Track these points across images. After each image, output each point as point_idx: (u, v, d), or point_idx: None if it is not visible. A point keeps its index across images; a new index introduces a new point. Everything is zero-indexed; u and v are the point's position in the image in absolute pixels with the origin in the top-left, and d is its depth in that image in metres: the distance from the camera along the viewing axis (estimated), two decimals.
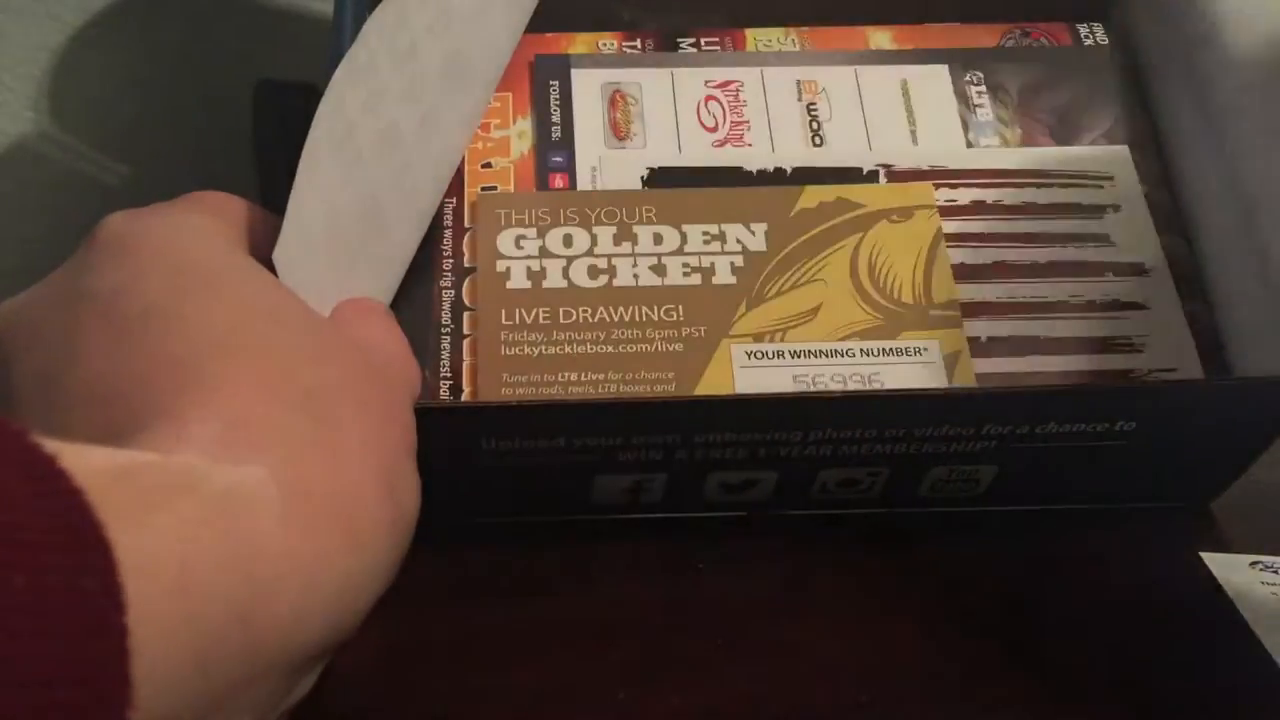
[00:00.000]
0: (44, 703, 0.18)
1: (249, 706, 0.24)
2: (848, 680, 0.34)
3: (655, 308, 0.39)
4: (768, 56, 0.44)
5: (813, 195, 0.41)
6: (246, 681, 0.23)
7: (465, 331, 0.39)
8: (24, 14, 0.46)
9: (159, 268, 0.28)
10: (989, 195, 0.42)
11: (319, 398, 0.27)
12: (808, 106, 0.43)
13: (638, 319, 0.39)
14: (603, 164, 0.41)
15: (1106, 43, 0.45)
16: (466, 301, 0.39)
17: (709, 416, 0.36)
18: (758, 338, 0.39)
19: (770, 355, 0.39)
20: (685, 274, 0.40)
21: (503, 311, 0.39)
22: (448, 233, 0.40)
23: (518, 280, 0.39)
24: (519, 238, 0.40)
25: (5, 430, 0.19)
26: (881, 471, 0.39)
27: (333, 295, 0.33)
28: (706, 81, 0.43)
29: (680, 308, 0.39)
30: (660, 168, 0.42)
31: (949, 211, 0.41)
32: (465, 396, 0.38)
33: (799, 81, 0.43)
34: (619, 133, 0.42)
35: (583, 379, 0.38)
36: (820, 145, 0.42)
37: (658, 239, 0.40)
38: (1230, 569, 0.39)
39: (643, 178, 0.41)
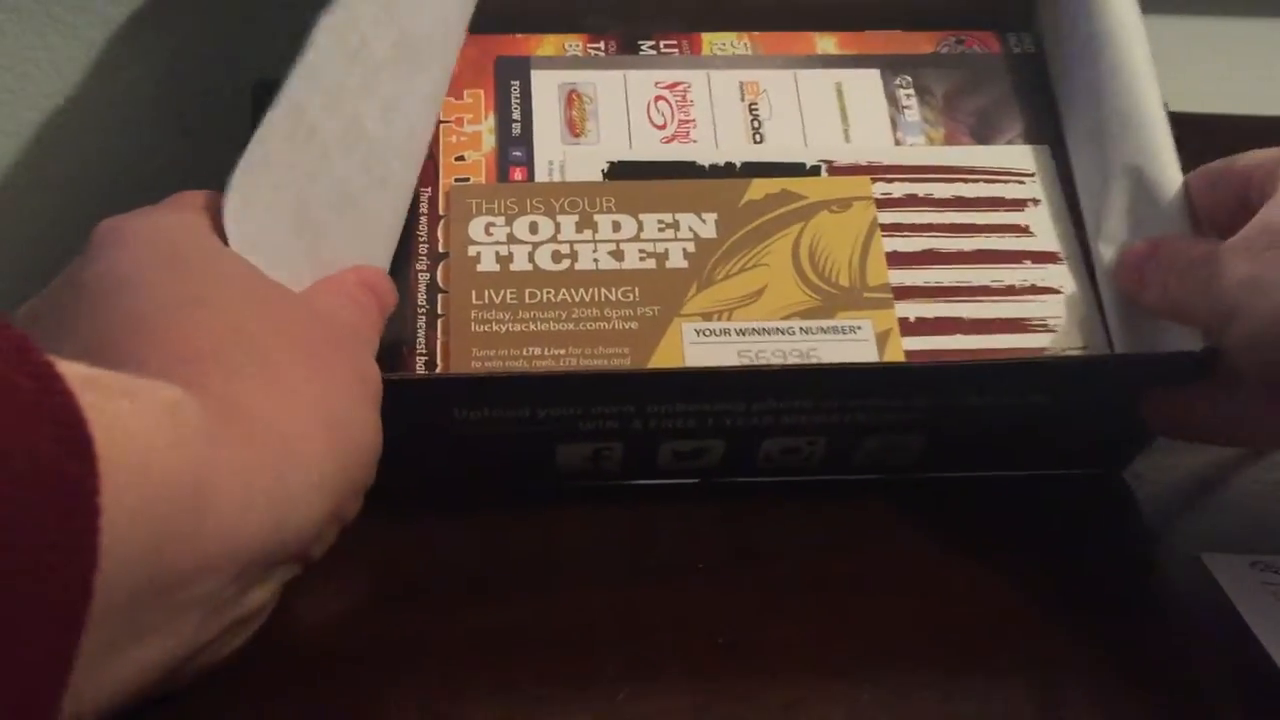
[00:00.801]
0: (20, 556, 0.21)
1: (198, 601, 0.27)
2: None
3: (613, 289, 0.42)
4: (715, 60, 0.47)
5: (759, 188, 0.44)
6: (195, 572, 0.26)
7: (439, 312, 0.42)
8: (24, 14, 0.47)
9: (139, 252, 0.32)
10: (920, 189, 0.45)
11: (260, 341, 0.31)
12: (749, 106, 0.46)
13: (597, 299, 0.42)
14: (566, 159, 0.45)
15: (1034, 50, 0.49)
16: (441, 284, 0.42)
17: (661, 388, 0.39)
18: (706, 317, 0.42)
19: (718, 333, 0.42)
20: (641, 259, 0.43)
21: (473, 292, 0.42)
22: (423, 220, 0.43)
23: (487, 264, 0.42)
24: (489, 225, 0.43)
25: (8, 334, 0.23)
26: (819, 441, 0.42)
27: (308, 273, 0.37)
28: (656, 83, 0.47)
29: (636, 289, 0.42)
30: (620, 162, 0.45)
31: (884, 204, 0.45)
32: (438, 370, 0.41)
33: (742, 83, 0.47)
34: (575, 130, 0.45)
35: (546, 354, 0.41)
36: (760, 142, 0.46)
37: (616, 227, 0.43)
38: (1230, 569, 0.40)
39: (604, 171, 0.44)
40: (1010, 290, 0.44)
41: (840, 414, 0.41)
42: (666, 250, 0.43)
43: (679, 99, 0.46)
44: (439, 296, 0.42)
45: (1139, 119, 0.43)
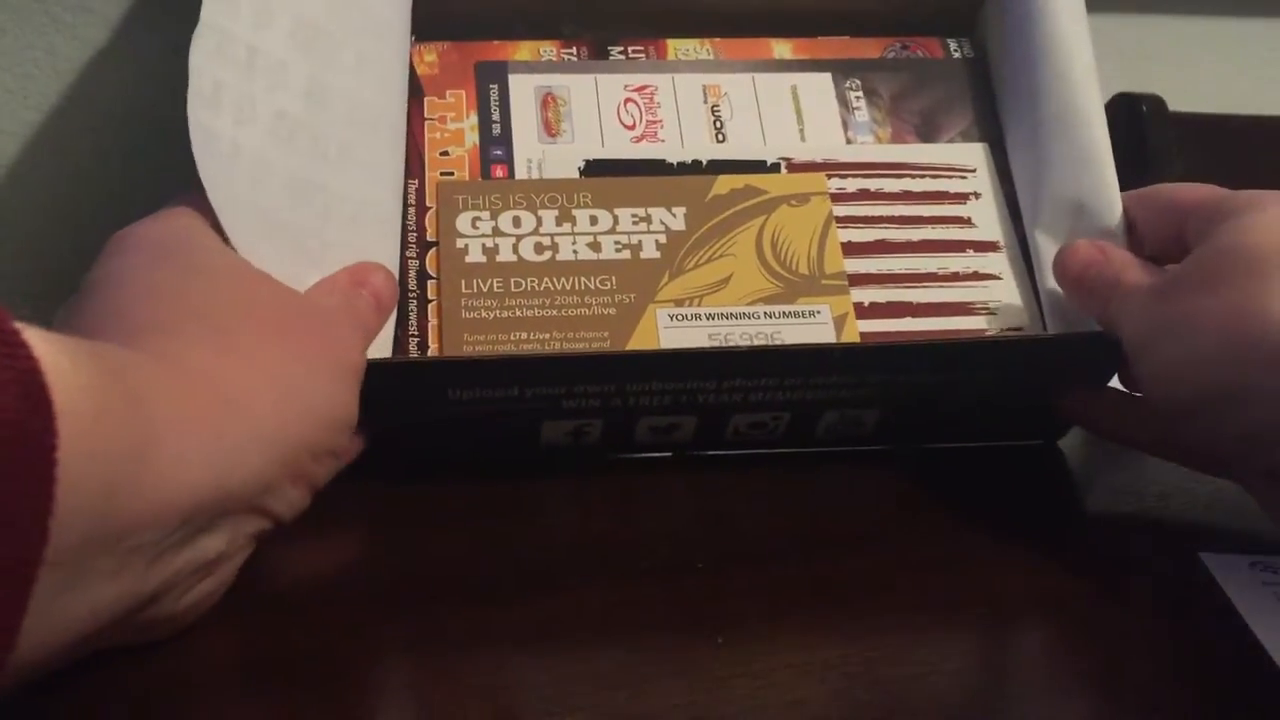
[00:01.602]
0: None
1: (143, 547, 0.29)
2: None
3: (592, 278, 0.45)
4: (679, 64, 0.50)
5: (724, 183, 0.47)
6: (140, 518, 0.29)
7: (429, 297, 0.44)
8: (24, 14, 0.48)
9: (131, 256, 0.36)
10: (872, 184, 0.48)
11: (220, 317, 0.35)
12: (712, 108, 0.49)
13: (577, 287, 0.44)
14: (544, 157, 0.47)
15: (973, 55, 0.52)
16: (430, 271, 0.45)
17: (638, 368, 0.42)
18: (679, 303, 0.45)
19: (689, 317, 0.44)
20: (617, 250, 0.45)
21: (462, 281, 0.44)
22: (411, 210, 0.46)
23: (474, 255, 0.45)
24: (474, 219, 0.45)
25: None
26: (784, 416, 0.45)
27: (306, 262, 0.40)
28: (626, 86, 0.50)
29: (613, 278, 0.45)
30: (595, 160, 0.48)
31: (838, 198, 0.48)
32: (431, 353, 0.44)
33: (705, 86, 0.50)
34: (550, 130, 0.48)
35: (531, 338, 0.43)
36: (723, 141, 0.49)
37: (593, 220, 0.46)
38: (1230, 569, 0.40)
39: (580, 169, 0.47)
40: (955, 277, 0.47)
41: (802, 391, 0.44)
42: (640, 242, 0.46)
43: (647, 101, 0.49)
44: (428, 282, 0.44)
45: (1078, 121, 0.47)
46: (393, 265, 0.43)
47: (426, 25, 0.49)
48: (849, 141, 0.50)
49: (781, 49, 0.51)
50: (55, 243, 0.51)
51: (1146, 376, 0.41)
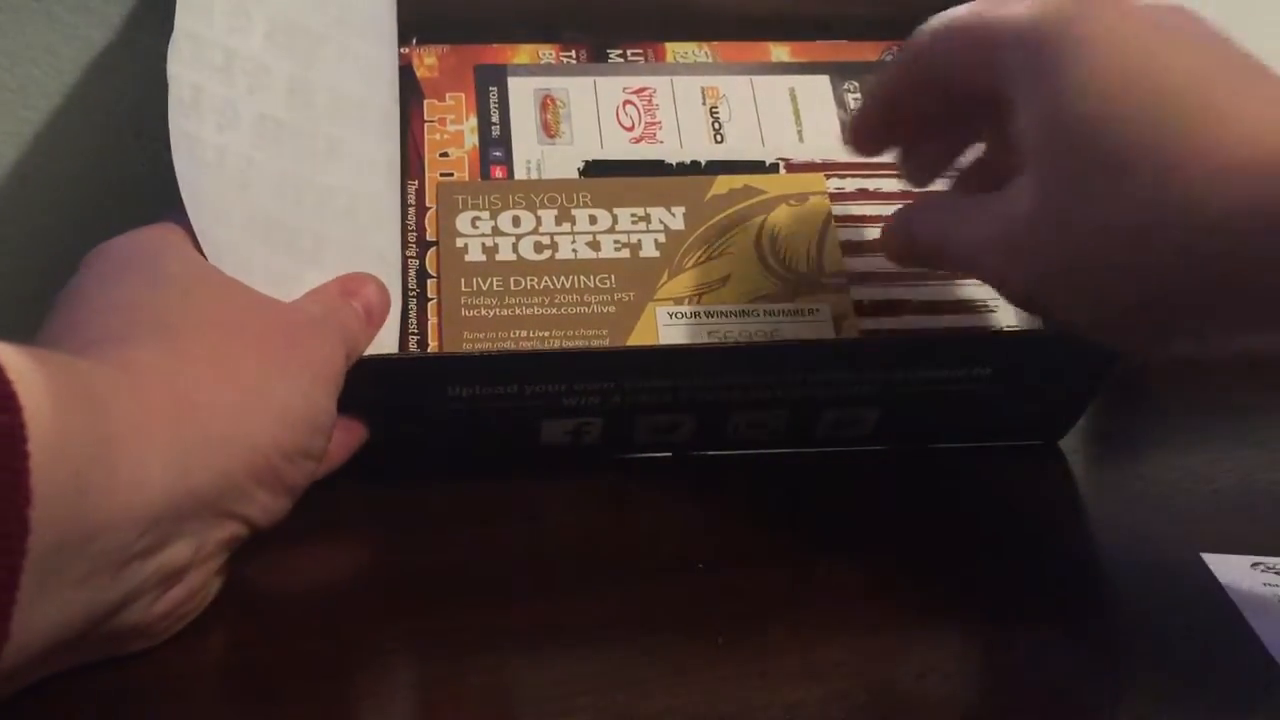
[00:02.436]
0: None
1: (110, 551, 0.29)
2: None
3: (591, 276, 0.44)
4: (679, 67, 0.51)
5: (723, 183, 0.47)
6: (109, 521, 0.29)
7: (429, 296, 0.44)
8: (24, 14, 0.47)
9: (100, 269, 0.37)
10: (870, 184, 0.48)
11: (181, 323, 0.35)
12: (710, 110, 0.50)
13: (577, 286, 0.44)
14: (543, 158, 0.47)
15: None
16: (430, 270, 0.45)
17: (638, 364, 0.42)
18: (678, 301, 0.44)
19: (689, 315, 0.44)
20: (616, 249, 0.45)
21: (462, 280, 0.44)
22: (411, 210, 0.46)
23: (474, 254, 0.45)
24: (474, 219, 0.45)
25: None
26: (782, 415, 0.45)
27: (302, 261, 0.41)
28: (624, 88, 0.50)
29: (613, 276, 0.45)
30: (594, 161, 0.48)
31: (837, 198, 0.48)
32: (430, 349, 0.43)
33: (703, 88, 0.50)
34: (550, 132, 0.48)
35: (531, 336, 0.43)
36: (721, 143, 0.49)
37: (593, 220, 0.46)
38: (1230, 569, 0.39)
39: (579, 169, 0.47)
40: (953, 273, 0.47)
41: (802, 389, 0.44)
42: (639, 241, 0.46)
43: (645, 103, 0.49)
44: (428, 281, 0.44)
45: None
46: (392, 256, 0.44)
47: (426, 28, 0.49)
48: (846, 144, 0.50)
49: (779, 52, 0.52)
50: (55, 243, 0.50)
51: (1024, 284, 0.37)
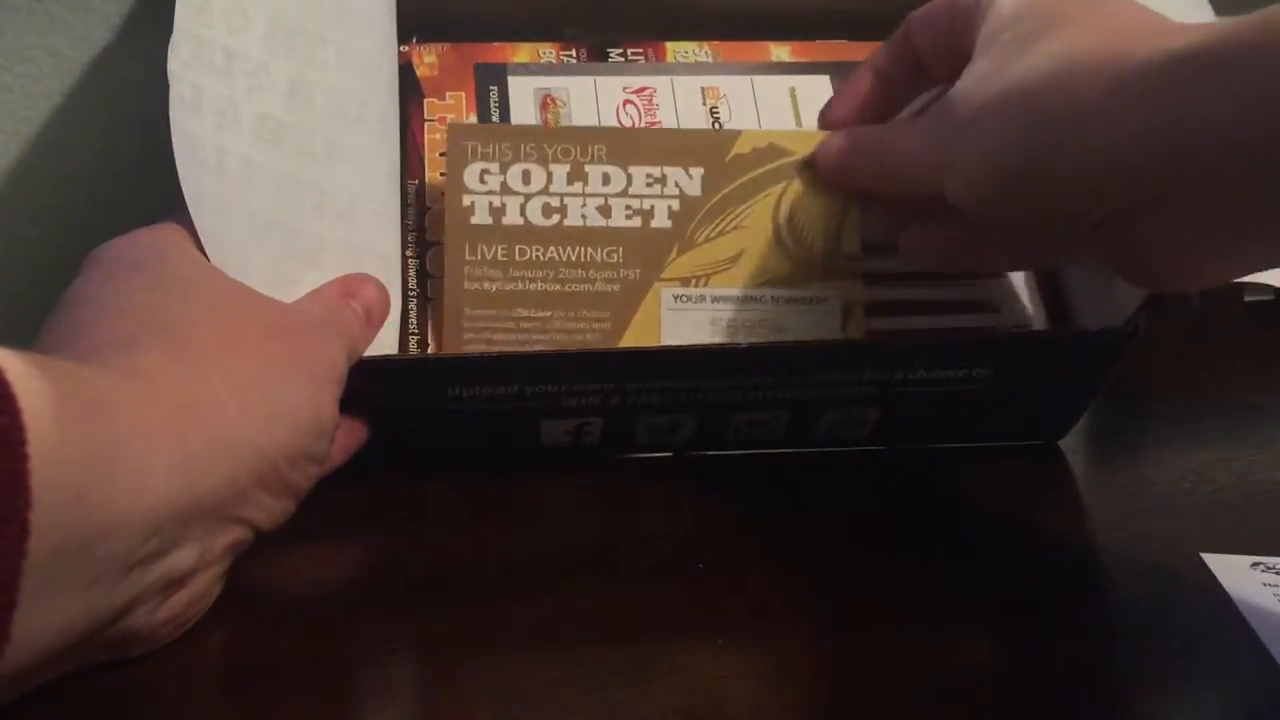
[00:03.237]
0: None
1: (114, 557, 0.29)
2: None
3: (599, 249, 0.43)
4: (678, 67, 0.51)
5: (747, 140, 0.45)
6: (111, 526, 0.29)
7: (430, 296, 0.44)
8: (24, 14, 0.47)
9: (104, 269, 0.37)
10: None
11: (180, 327, 0.34)
12: (711, 109, 0.50)
13: (583, 259, 0.43)
14: None
15: None
16: (430, 270, 0.45)
17: (638, 366, 0.42)
18: (685, 282, 0.43)
19: (694, 299, 0.43)
20: (627, 216, 0.43)
21: (467, 246, 0.43)
22: (411, 210, 0.46)
23: (481, 216, 0.43)
24: (483, 172, 0.43)
25: None
26: (783, 415, 0.45)
27: (302, 261, 0.41)
28: (625, 88, 0.50)
29: (620, 250, 0.43)
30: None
31: None
32: (431, 349, 0.43)
33: (703, 88, 0.50)
34: None
35: (532, 315, 0.42)
36: None
37: (606, 179, 0.44)
38: (1230, 569, 0.39)
39: None
40: (960, 274, 0.47)
41: (803, 390, 0.44)
42: (652, 208, 0.44)
43: (646, 102, 0.49)
44: (428, 281, 0.45)
45: None
46: (392, 256, 0.43)
47: (426, 27, 0.49)
48: None
49: (780, 52, 0.52)
50: (56, 244, 0.51)
51: (957, 189, 0.39)
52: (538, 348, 0.42)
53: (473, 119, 0.48)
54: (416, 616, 0.37)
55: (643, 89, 0.50)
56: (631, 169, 0.44)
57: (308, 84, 0.42)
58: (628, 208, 0.44)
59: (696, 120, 0.49)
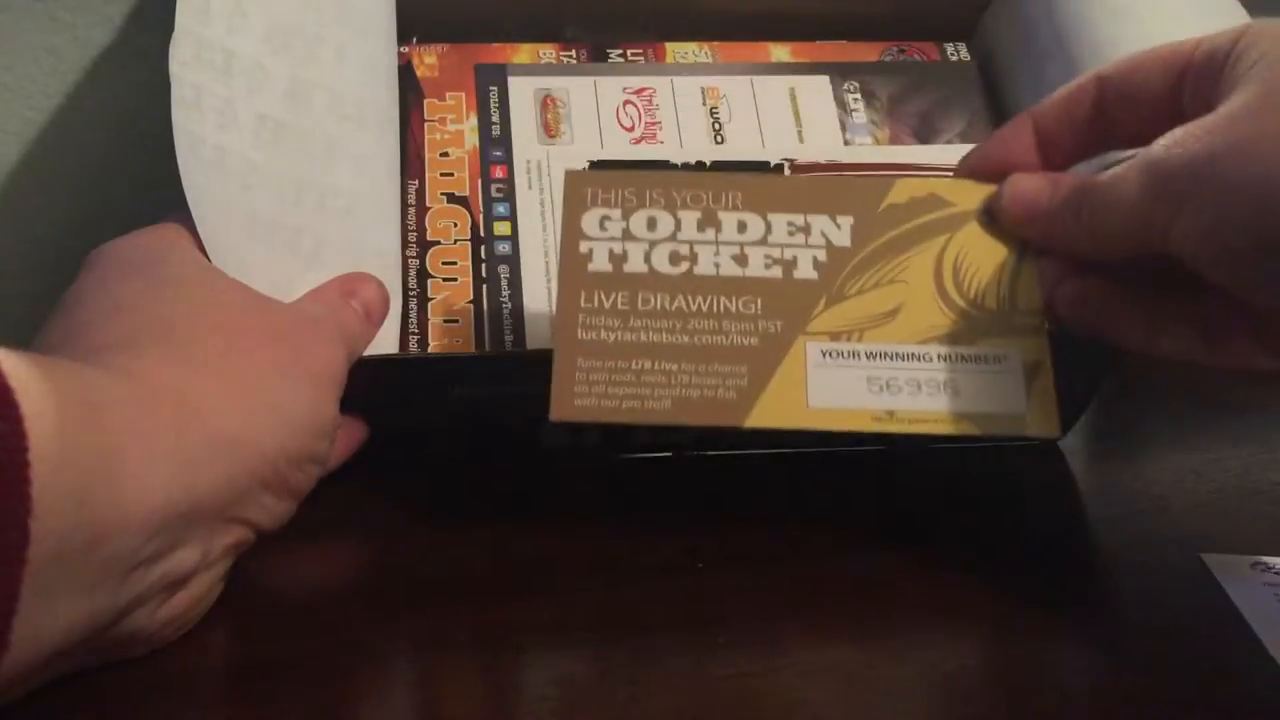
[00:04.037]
0: None
1: (117, 558, 0.29)
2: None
3: (734, 299, 0.39)
4: (679, 67, 0.51)
5: (903, 189, 0.41)
6: (113, 528, 0.29)
7: (430, 295, 0.44)
8: (24, 14, 0.47)
9: (103, 271, 0.37)
10: None
11: (182, 329, 0.34)
12: (711, 110, 0.50)
13: (715, 309, 0.39)
14: (544, 158, 0.48)
15: (970, 59, 0.53)
16: (430, 270, 0.45)
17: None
18: (834, 336, 0.39)
19: (846, 355, 0.39)
20: (767, 265, 0.39)
21: (582, 294, 0.39)
22: (411, 210, 0.46)
23: (599, 263, 0.39)
24: (604, 218, 0.40)
25: None
26: None
27: (302, 262, 0.41)
28: (625, 88, 0.50)
29: (759, 300, 0.39)
30: (601, 161, 0.47)
31: None
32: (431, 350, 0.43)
33: (703, 89, 0.50)
34: (550, 132, 0.48)
35: (656, 368, 0.38)
36: (722, 143, 0.49)
37: (742, 227, 0.40)
38: (1230, 569, 0.39)
39: (584, 170, 0.47)
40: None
41: None
42: (795, 257, 0.40)
43: (645, 103, 0.49)
44: (429, 281, 0.44)
45: None
46: (392, 256, 0.43)
47: (426, 27, 0.49)
48: (846, 143, 0.50)
49: (779, 52, 0.52)
50: (56, 243, 0.51)
51: (1196, 232, 0.34)
52: (664, 404, 0.38)
53: (473, 120, 0.48)
54: (416, 616, 0.37)
55: (643, 89, 0.50)
56: (771, 216, 0.40)
57: (307, 84, 0.42)
58: (767, 257, 0.40)
59: (696, 120, 0.49)
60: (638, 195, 0.40)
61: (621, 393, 0.38)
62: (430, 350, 0.43)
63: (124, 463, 0.29)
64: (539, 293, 0.45)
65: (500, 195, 0.47)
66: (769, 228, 0.40)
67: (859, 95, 0.51)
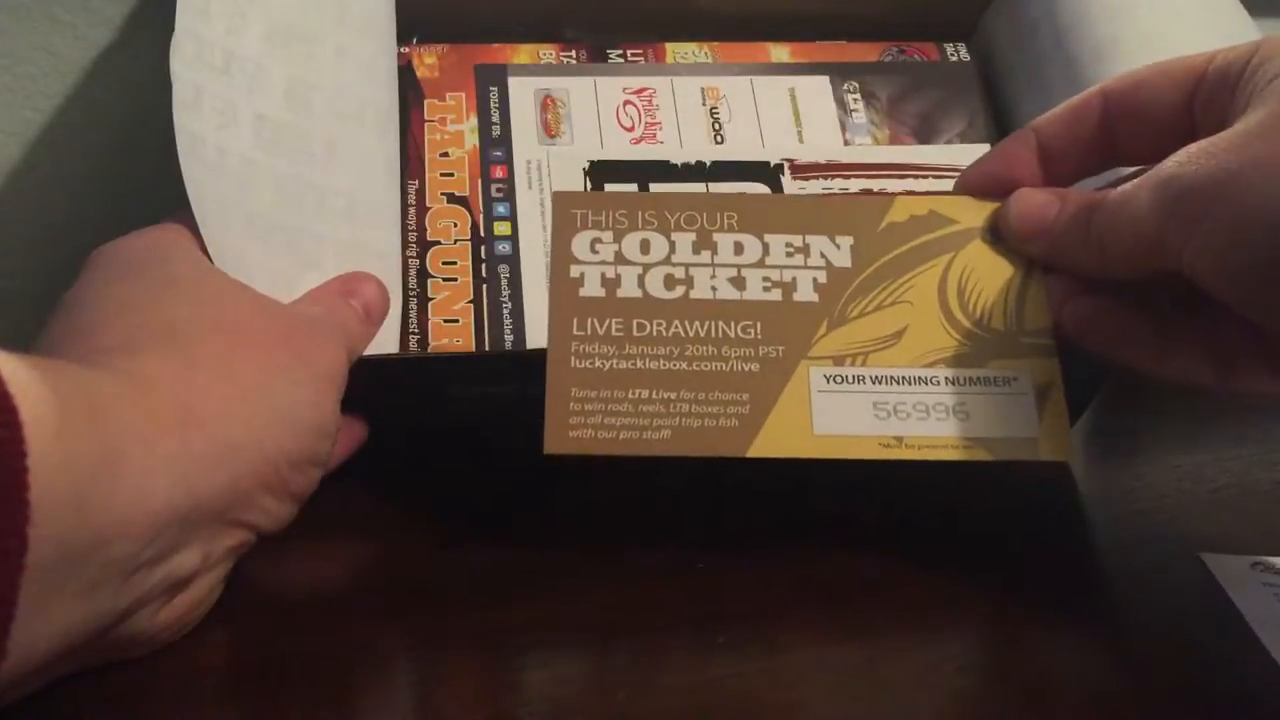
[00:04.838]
0: None
1: (117, 561, 0.29)
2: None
3: (732, 324, 0.38)
4: (679, 67, 0.51)
5: (903, 208, 0.40)
6: (113, 532, 0.29)
7: (430, 295, 0.44)
8: (24, 14, 0.47)
9: (104, 271, 0.37)
10: (875, 184, 0.48)
11: (183, 331, 0.34)
12: (710, 110, 0.50)
13: (714, 335, 0.38)
14: (544, 159, 0.47)
15: (969, 59, 0.53)
16: (430, 270, 0.45)
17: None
18: (838, 360, 0.38)
19: (851, 380, 0.38)
20: (765, 288, 0.39)
21: (574, 321, 0.38)
22: (412, 210, 0.46)
23: (591, 288, 0.38)
24: (594, 241, 0.39)
25: None
26: None
27: (302, 262, 0.40)
28: (624, 89, 0.50)
29: (758, 324, 0.38)
30: (601, 161, 0.47)
31: None
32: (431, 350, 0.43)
33: (703, 89, 0.50)
34: (550, 132, 0.48)
35: (655, 396, 0.37)
36: (721, 143, 0.49)
37: (738, 249, 0.39)
38: (1230, 569, 0.39)
39: (585, 170, 0.47)
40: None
41: None
42: (794, 279, 0.39)
43: (645, 103, 0.49)
44: (429, 281, 0.44)
45: None
46: (392, 256, 0.43)
47: (426, 28, 0.49)
48: (846, 143, 0.50)
49: (779, 53, 0.52)
50: (56, 244, 0.51)
51: (1212, 250, 0.33)
52: (663, 434, 0.37)
53: (473, 120, 0.48)
54: (417, 616, 0.37)
55: (643, 90, 0.50)
56: (768, 237, 0.39)
57: (306, 84, 0.42)
58: (765, 279, 0.39)
59: (696, 120, 0.49)
60: (629, 217, 0.40)
61: (619, 423, 0.37)
62: (430, 350, 0.43)
63: (125, 466, 0.29)
64: (539, 293, 0.45)
65: (500, 195, 0.47)
66: (766, 249, 0.39)
67: (859, 95, 0.51)
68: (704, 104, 0.50)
